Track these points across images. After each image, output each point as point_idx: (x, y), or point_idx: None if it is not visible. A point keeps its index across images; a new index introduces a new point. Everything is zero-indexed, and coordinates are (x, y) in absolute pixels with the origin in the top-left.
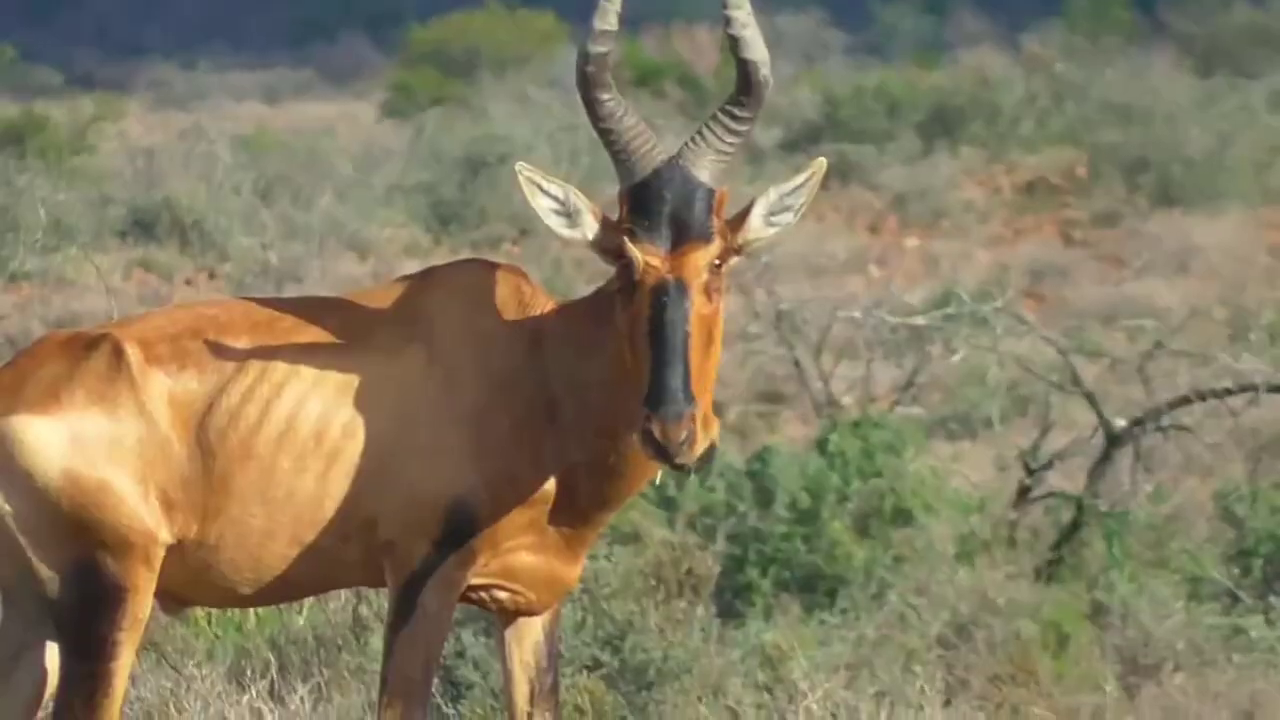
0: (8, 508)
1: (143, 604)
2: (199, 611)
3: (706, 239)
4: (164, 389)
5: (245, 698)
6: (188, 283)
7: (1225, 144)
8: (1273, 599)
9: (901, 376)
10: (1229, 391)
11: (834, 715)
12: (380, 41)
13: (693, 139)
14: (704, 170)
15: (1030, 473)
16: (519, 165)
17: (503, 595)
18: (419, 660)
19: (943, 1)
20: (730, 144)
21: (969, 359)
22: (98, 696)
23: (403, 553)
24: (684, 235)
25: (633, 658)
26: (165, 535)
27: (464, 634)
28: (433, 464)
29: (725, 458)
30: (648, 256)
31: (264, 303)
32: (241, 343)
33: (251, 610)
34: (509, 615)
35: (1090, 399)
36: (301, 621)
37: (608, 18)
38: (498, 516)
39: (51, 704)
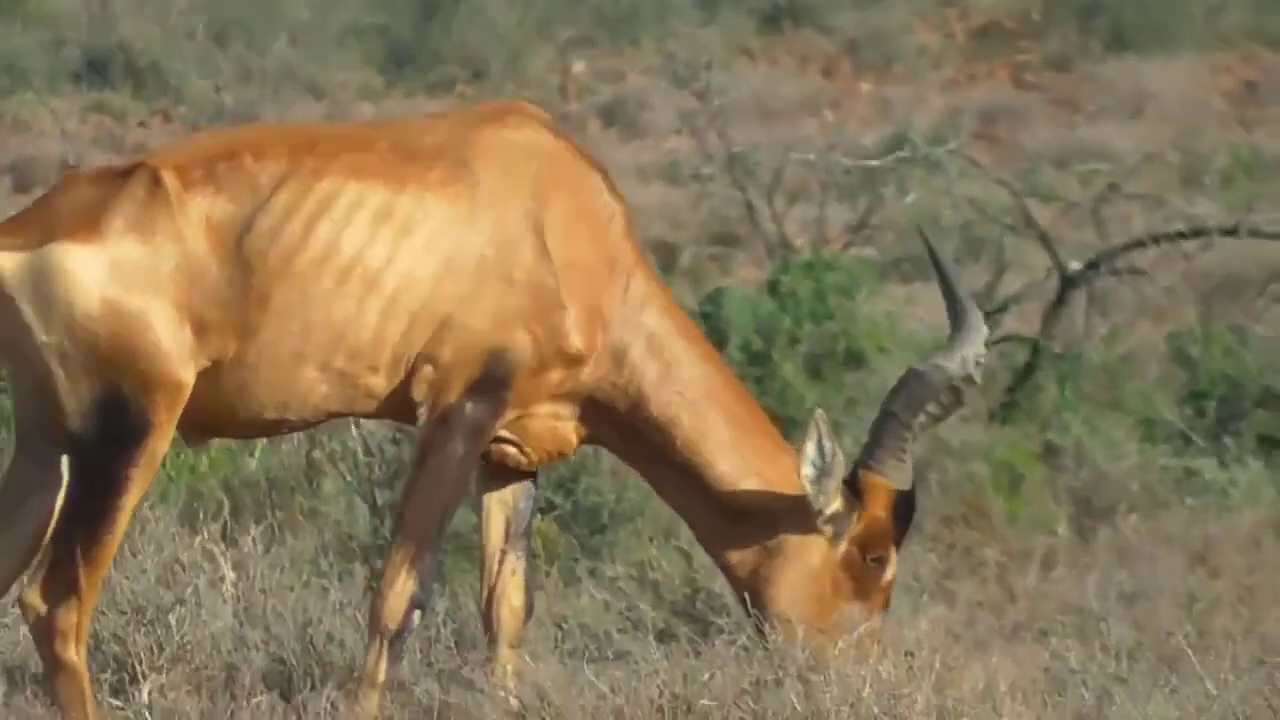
0: (45, 338)
1: (161, 442)
2: None
3: None
4: (201, 213)
5: (198, 540)
6: (141, 125)
7: None
8: (1226, 440)
9: (854, 218)
10: (1182, 235)
11: None
12: None
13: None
14: None
15: (985, 315)
16: (819, 412)
17: (510, 450)
18: (438, 503)
19: None
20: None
21: (922, 201)
22: (100, 532)
23: (436, 394)
24: None
25: (585, 500)
26: (191, 372)
27: None
28: (478, 312)
29: (678, 299)
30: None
31: (301, 128)
32: (282, 164)
33: (204, 453)
34: (498, 467)
35: (1045, 240)
36: (254, 464)
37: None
38: (538, 374)
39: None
